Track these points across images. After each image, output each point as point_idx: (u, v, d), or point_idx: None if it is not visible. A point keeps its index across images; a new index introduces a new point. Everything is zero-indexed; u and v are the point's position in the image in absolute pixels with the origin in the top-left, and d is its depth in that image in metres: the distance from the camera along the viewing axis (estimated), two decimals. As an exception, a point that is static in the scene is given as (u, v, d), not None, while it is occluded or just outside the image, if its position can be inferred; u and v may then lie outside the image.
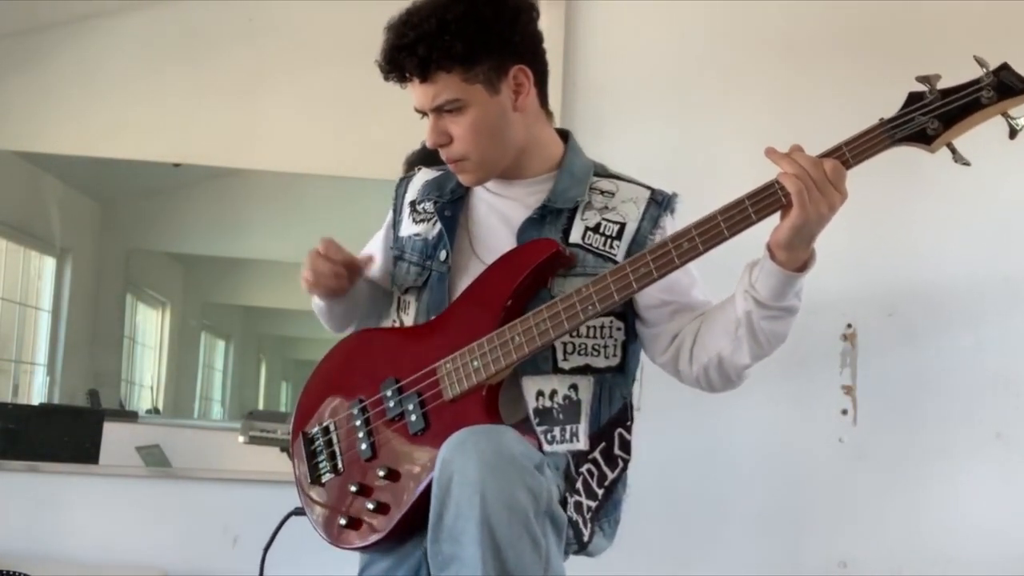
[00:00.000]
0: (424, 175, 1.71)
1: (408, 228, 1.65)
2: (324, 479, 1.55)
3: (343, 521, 1.48)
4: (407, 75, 1.48)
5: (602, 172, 1.61)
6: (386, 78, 1.50)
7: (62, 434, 2.87)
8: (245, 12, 2.70)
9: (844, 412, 2.38)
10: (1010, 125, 1.34)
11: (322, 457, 1.55)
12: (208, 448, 2.99)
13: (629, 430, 1.54)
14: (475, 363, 1.43)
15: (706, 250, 1.37)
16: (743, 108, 2.44)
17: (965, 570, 2.30)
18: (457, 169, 1.55)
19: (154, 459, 2.80)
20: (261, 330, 3.65)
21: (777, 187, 1.34)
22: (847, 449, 2.39)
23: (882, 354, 2.39)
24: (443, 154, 1.54)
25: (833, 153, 1.35)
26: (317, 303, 1.69)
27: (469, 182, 1.58)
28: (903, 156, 2.26)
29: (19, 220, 3.20)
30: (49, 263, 3.29)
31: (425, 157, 2.61)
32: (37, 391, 3.25)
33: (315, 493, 1.56)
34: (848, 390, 2.39)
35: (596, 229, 1.53)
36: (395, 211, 1.71)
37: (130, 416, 3.22)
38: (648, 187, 1.59)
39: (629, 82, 2.46)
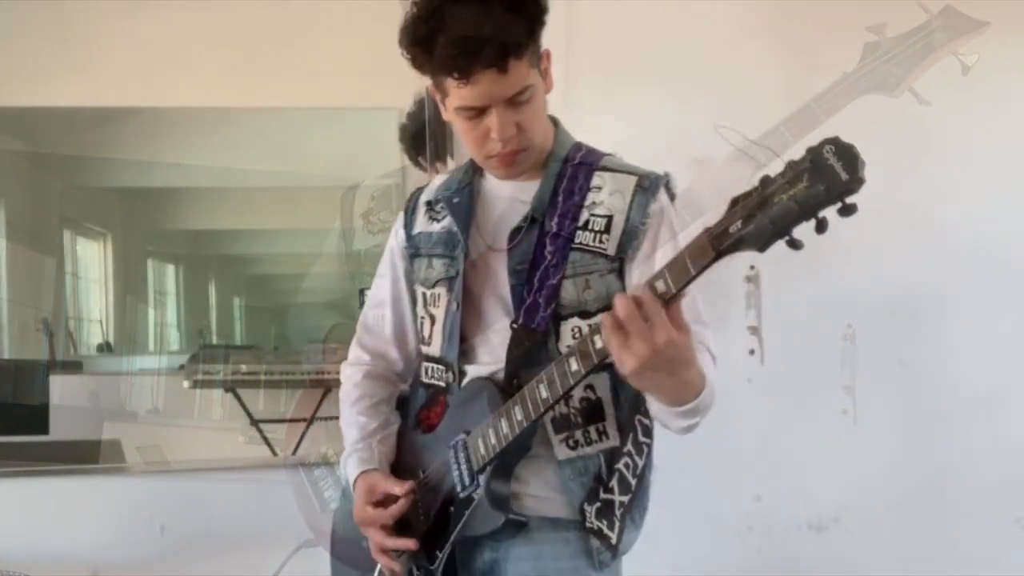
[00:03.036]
0: (440, 178, 1.67)
1: (424, 225, 1.62)
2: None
3: None
4: (476, 67, 1.37)
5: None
6: (449, 73, 1.39)
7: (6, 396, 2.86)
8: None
9: (844, 412, 2.38)
10: (962, 63, 1.42)
11: None
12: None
13: (646, 415, 1.49)
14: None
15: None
16: (746, 80, 2.37)
17: (966, 570, 2.31)
18: (514, 161, 1.49)
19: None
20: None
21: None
22: (847, 449, 2.38)
23: (882, 354, 2.39)
24: (505, 146, 1.45)
25: (801, 114, 1.33)
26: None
27: (513, 175, 1.52)
28: (903, 156, 2.26)
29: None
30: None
31: (418, 122, 2.57)
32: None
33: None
34: (848, 390, 2.38)
35: (585, 226, 1.49)
36: (407, 213, 1.66)
37: (75, 367, 3.19)
38: (635, 173, 1.52)
39: (632, 54, 2.38)
